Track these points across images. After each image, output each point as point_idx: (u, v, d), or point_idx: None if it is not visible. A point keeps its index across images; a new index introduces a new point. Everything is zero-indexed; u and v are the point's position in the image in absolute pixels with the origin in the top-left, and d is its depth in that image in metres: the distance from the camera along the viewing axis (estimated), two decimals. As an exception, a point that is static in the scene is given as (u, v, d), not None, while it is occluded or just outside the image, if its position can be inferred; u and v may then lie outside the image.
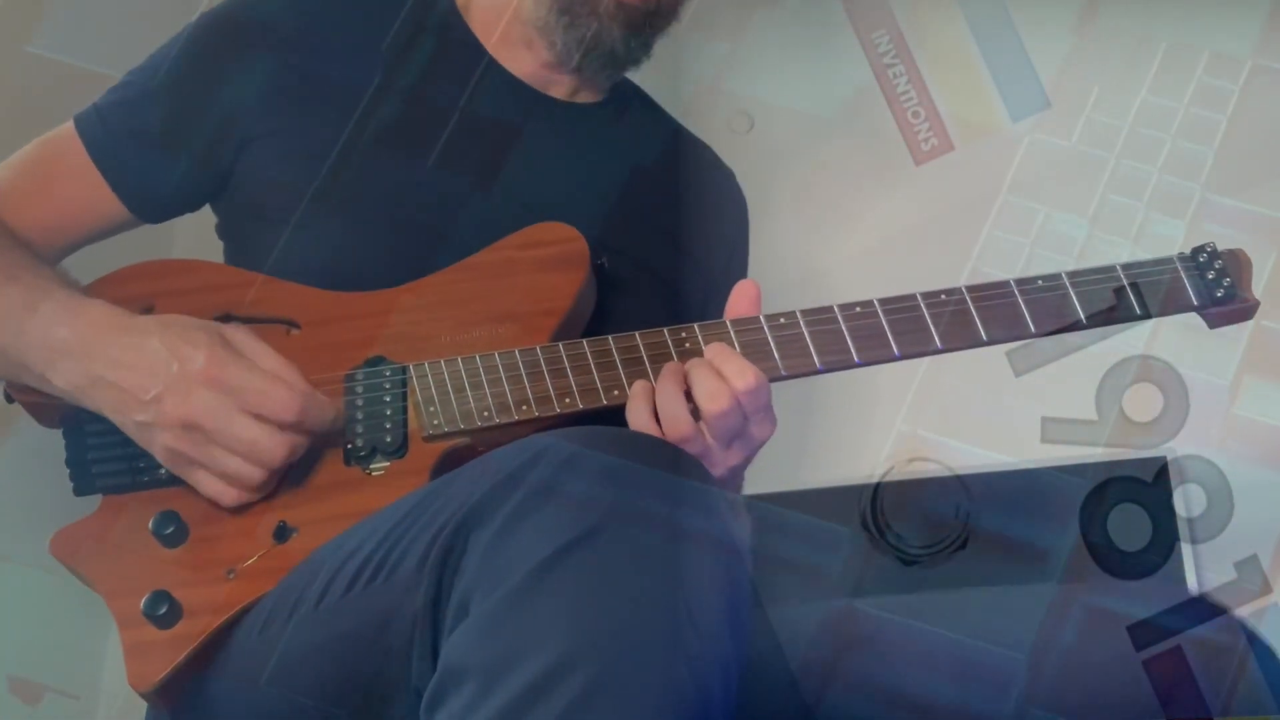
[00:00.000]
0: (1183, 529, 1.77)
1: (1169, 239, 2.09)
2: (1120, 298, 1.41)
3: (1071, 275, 1.41)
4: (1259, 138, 2.10)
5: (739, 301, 1.41)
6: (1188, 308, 1.43)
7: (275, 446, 1.31)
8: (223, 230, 1.60)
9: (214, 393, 1.30)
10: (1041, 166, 2.19)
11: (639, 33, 1.58)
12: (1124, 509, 1.67)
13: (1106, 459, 1.82)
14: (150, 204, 1.57)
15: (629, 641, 1.06)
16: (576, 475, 1.12)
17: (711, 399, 1.32)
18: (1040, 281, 1.41)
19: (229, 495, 1.33)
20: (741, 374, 1.33)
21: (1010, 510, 1.99)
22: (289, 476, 1.36)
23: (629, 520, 1.10)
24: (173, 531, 1.35)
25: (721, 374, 1.33)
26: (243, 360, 1.32)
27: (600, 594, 1.07)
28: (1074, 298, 1.40)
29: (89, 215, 1.55)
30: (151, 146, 1.54)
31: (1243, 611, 1.55)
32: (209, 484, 1.33)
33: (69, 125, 1.56)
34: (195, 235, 1.68)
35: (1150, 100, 2.17)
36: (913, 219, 2.21)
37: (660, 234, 1.62)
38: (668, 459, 1.17)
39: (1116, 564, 1.67)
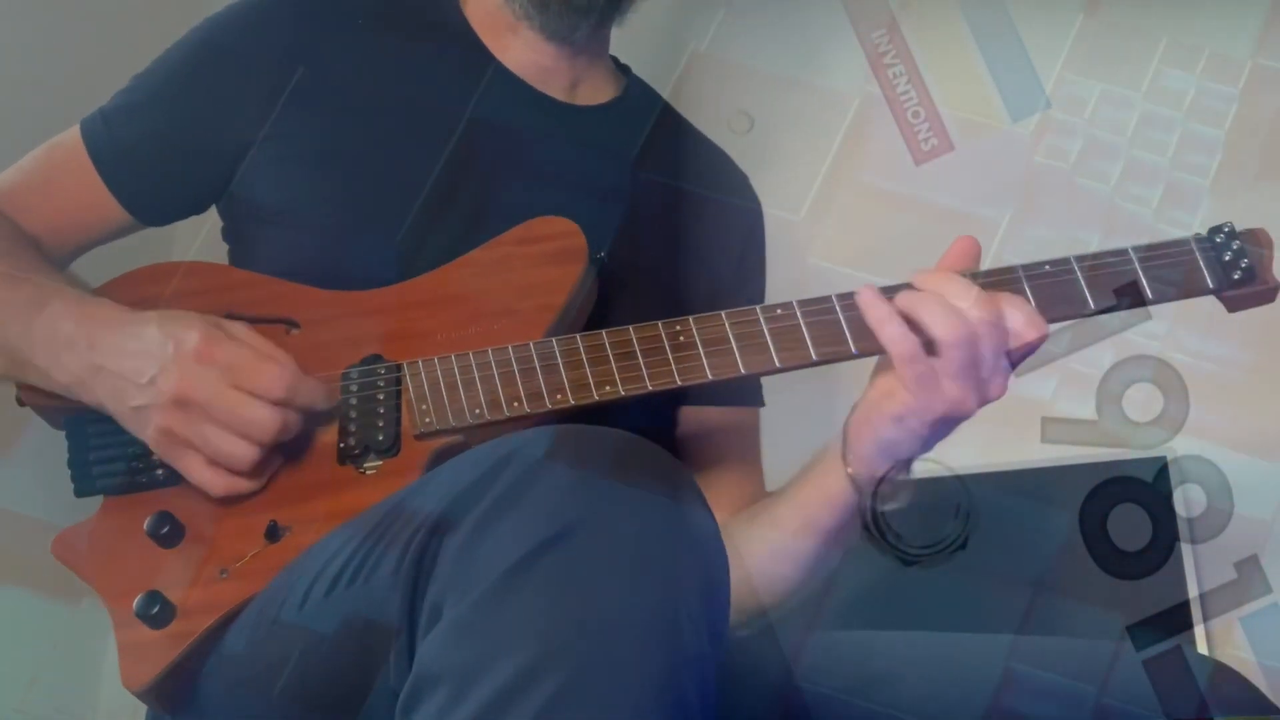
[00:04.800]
0: (1183, 529, 1.76)
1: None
2: (1133, 282, 1.33)
3: (1081, 260, 1.33)
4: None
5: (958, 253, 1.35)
6: (1204, 291, 1.34)
7: (266, 420, 1.32)
8: (227, 233, 1.61)
9: (206, 368, 1.32)
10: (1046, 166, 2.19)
11: None
12: (1124, 509, 1.66)
13: (1106, 459, 1.81)
14: (151, 208, 1.58)
15: (602, 642, 1.05)
16: (548, 476, 1.11)
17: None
18: (1048, 267, 1.33)
19: (219, 482, 1.33)
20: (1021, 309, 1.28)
21: (1010, 510, 1.99)
22: (282, 475, 1.36)
23: (602, 520, 1.09)
24: (168, 532, 1.35)
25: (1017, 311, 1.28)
26: (236, 339, 1.34)
27: (573, 595, 1.06)
28: (1083, 283, 1.32)
29: (92, 219, 1.57)
30: (153, 152, 1.55)
31: (1243, 611, 1.54)
32: (199, 470, 1.34)
33: (75, 130, 1.57)
34: (196, 238, 1.68)
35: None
36: (913, 219, 2.20)
37: (662, 239, 1.61)
38: (644, 457, 1.15)
39: (1116, 564, 1.66)
